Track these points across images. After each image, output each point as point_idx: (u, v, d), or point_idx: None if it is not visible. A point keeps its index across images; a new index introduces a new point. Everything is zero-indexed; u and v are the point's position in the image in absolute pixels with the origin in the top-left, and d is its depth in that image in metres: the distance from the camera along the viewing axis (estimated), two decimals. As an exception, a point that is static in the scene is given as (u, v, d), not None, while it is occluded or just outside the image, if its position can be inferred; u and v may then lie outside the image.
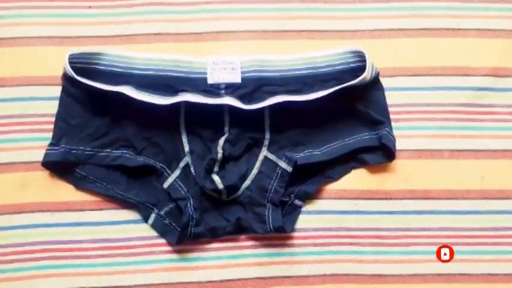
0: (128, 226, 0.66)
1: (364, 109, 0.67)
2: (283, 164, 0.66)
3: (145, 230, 0.66)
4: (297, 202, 0.67)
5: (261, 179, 0.66)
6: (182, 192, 0.65)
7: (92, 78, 0.64)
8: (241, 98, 0.66)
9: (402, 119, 0.70)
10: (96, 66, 0.66)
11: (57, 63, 0.66)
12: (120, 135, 0.66)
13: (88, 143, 0.65)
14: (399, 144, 0.67)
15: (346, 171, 0.68)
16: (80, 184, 0.66)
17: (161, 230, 0.66)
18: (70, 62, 0.64)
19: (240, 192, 0.66)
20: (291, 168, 0.65)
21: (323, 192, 0.68)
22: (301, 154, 0.66)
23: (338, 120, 0.67)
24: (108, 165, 0.66)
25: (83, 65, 0.65)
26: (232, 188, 0.66)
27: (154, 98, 0.63)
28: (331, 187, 0.68)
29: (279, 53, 0.68)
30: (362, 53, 0.66)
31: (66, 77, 0.66)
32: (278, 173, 0.66)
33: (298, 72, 0.67)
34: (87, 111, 0.66)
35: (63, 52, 0.65)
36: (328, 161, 0.66)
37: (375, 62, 0.67)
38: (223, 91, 0.67)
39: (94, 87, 0.63)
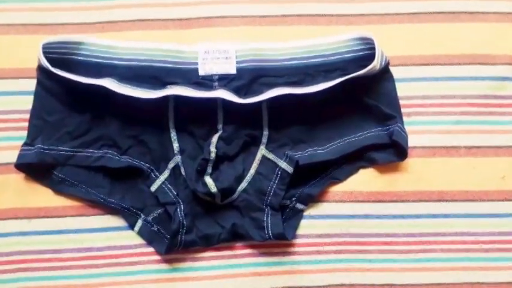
0: (112, 233, 0.64)
1: (372, 102, 0.65)
2: (283, 164, 0.63)
3: (131, 237, 0.65)
4: (299, 206, 0.65)
5: (258, 180, 0.64)
6: (171, 196, 0.63)
7: (70, 70, 0.62)
8: (237, 91, 0.64)
9: (414, 113, 0.67)
10: (75, 57, 0.64)
11: (32, 54, 0.64)
12: (102, 134, 0.64)
13: (67, 142, 0.63)
14: (411, 141, 0.65)
15: (353, 172, 0.66)
16: (58, 188, 0.64)
17: (149, 237, 0.64)
18: (45, 52, 0.62)
19: (235, 195, 0.64)
20: (292, 169, 0.63)
21: (327, 195, 0.66)
22: (303, 153, 0.64)
23: (344, 115, 0.65)
24: (89, 167, 0.64)
25: (59, 55, 0.63)
26: (227, 191, 0.63)
27: (140, 91, 0.61)
28: (337, 189, 0.66)
29: (277, 40, 0.66)
30: (370, 39, 0.63)
31: (41, 69, 0.63)
32: (278, 173, 0.63)
33: (299, 61, 0.65)
34: (65, 107, 0.63)
35: (38, 41, 0.62)
36: (332, 160, 0.64)
37: (384, 50, 0.65)
38: (216, 83, 0.65)
39: (72, 80, 0.61)
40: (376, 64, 0.62)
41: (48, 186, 0.64)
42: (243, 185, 0.64)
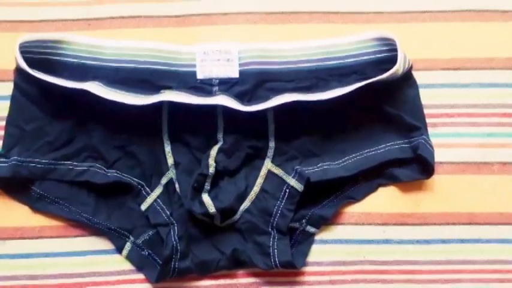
0: (96, 258, 0.62)
1: (394, 111, 0.62)
2: (292, 181, 0.60)
3: (118, 262, 0.62)
4: (310, 229, 0.62)
5: (263, 199, 0.61)
6: (164, 216, 0.61)
7: (51, 72, 0.60)
8: (239, 97, 0.61)
9: (441, 124, 0.65)
10: (56, 58, 0.62)
11: (8, 54, 0.62)
12: (86, 144, 0.62)
13: (46, 154, 0.61)
14: (437, 156, 0.62)
15: (371, 190, 0.63)
16: (37, 205, 0.62)
17: (138, 263, 0.62)
18: (23, 52, 0.60)
19: (237, 216, 0.61)
20: (302, 187, 0.60)
21: (342, 217, 0.63)
22: (315, 168, 0.61)
23: (361, 125, 0.63)
24: (72, 182, 0.61)
25: (39, 55, 0.61)
26: (227, 212, 0.61)
27: (129, 97, 0.59)
28: (353, 210, 0.63)
29: (286, 40, 0.64)
30: (392, 40, 0.60)
31: (18, 71, 0.61)
32: (286, 192, 0.60)
33: (311, 64, 0.62)
34: (45, 114, 0.61)
35: (15, 40, 0.60)
36: (348, 177, 0.61)
37: (406, 52, 0.62)
38: (216, 88, 0.62)
39: (53, 83, 0.59)
40: (398, 68, 0.59)
41: (26, 203, 0.62)
42: (246, 204, 0.61)
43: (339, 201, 0.62)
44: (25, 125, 0.60)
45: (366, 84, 0.59)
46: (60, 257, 0.61)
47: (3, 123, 0.61)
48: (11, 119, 0.61)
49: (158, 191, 0.61)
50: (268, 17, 0.66)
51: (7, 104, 0.61)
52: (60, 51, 0.61)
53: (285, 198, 0.60)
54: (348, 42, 0.62)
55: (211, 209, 0.58)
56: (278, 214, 0.60)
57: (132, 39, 0.62)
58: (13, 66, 0.61)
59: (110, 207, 0.62)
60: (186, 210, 0.60)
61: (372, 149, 0.62)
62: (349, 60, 0.62)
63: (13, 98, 0.61)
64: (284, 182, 0.61)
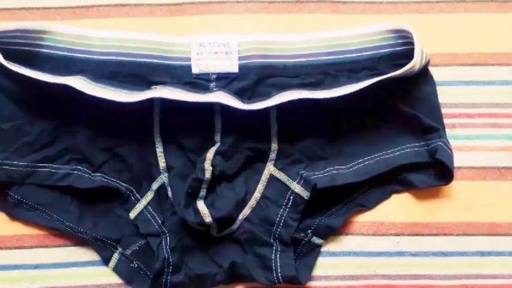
0: (81, 270, 0.59)
1: (409, 110, 0.59)
2: (296, 187, 0.57)
3: (105, 275, 0.60)
4: (316, 240, 0.59)
5: (265, 207, 0.59)
6: (155, 225, 0.58)
7: (31, 66, 0.58)
8: (239, 94, 0.59)
9: (460, 125, 0.63)
10: (37, 49, 0.59)
11: None
12: (70, 145, 0.59)
13: (26, 156, 0.58)
14: (456, 160, 0.59)
15: (384, 197, 0.61)
16: (14, 212, 0.60)
17: (127, 276, 0.59)
18: (0, 43, 0.57)
19: (236, 225, 0.59)
20: (308, 194, 0.57)
21: (352, 226, 0.61)
22: (322, 173, 0.58)
23: (373, 126, 0.60)
24: (53, 187, 0.59)
25: (19, 47, 0.58)
26: (225, 221, 0.58)
27: (117, 93, 0.56)
28: (363, 219, 0.61)
29: (290, 32, 0.62)
30: (407, 32, 0.57)
31: None
32: (289, 199, 0.58)
33: (317, 58, 0.60)
34: (24, 112, 0.59)
35: None
36: (358, 182, 0.58)
37: (422, 46, 0.59)
38: (213, 84, 0.59)
39: (33, 78, 0.56)
40: (415, 63, 0.56)
41: (2, 210, 0.59)
42: (245, 212, 0.58)
43: (348, 210, 0.60)
44: (2, 124, 0.58)
45: (378, 81, 0.56)
46: (40, 269, 0.59)
47: (-22, 122, 0.58)
48: (-14, 117, 0.58)
49: (149, 197, 0.58)
50: (271, 6, 0.64)
51: (-19, 100, 0.58)
52: (42, 42, 0.58)
53: (288, 206, 0.58)
54: (358, 34, 0.60)
55: (207, 218, 0.55)
56: (281, 223, 0.58)
57: (121, 30, 0.60)
58: None
59: (96, 215, 0.59)
60: (179, 218, 0.57)
61: (384, 152, 0.59)
62: (359, 54, 0.59)
63: None
64: (288, 188, 0.58)
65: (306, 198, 0.57)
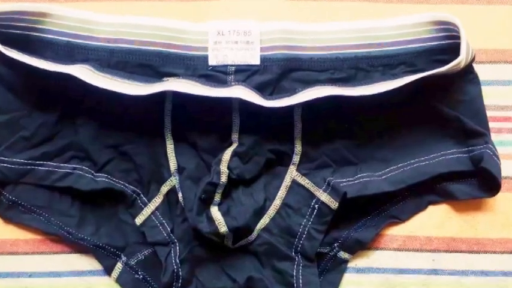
0: (80, 280, 0.57)
1: (450, 112, 0.56)
2: (322, 195, 0.54)
3: (106, 286, 0.57)
4: (342, 255, 0.56)
5: (286, 216, 0.55)
6: (163, 233, 0.55)
7: (30, 52, 0.55)
8: (260, 89, 0.56)
9: (507, 130, 0.59)
10: (38, 34, 0.56)
11: None
12: (71, 141, 0.57)
13: (22, 152, 0.56)
14: (502, 169, 0.56)
15: (420, 209, 0.58)
16: (8, 215, 0.57)
17: (131, 287, 0.57)
18: None
19: (253, 236, 0.56)
20: (337, 203, 0.54)
21: (382, 240, 0.58)
22: (352, 180, 0.55)
23: (409, 129, 0.57)
24: (52, 187, 0.56)
25: (17, 30, 0.56)
26: (241, 230, 0.55)
27: (125, 85, 0.53)
28: (396, 232, 0.58)
29: (318, 20, 0.59)
30: (452, 25, 0.54)
31: None
32: (314, 208, 0.54)
33: (348, 51, 0.56)
34: (22, 103, 0.56)
35: None
36: (392, 192, 0.55)
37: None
38: (232, 77, 0.56)
39: (33, 65, 0.53)
40: (462, 60, 0.52)
41: None
42: (264, 221, 0.55)
43: (379, 222, 0.57)
44: None
45: (419, 79, 0.52)
46: (35, 278, 0.56)
47: (-30, 113, 0.55)
48: (-20, 109, 0.56)
49: (157, 201, 0.56)
50: None
51: (-25, 89, 0.54)
52: (43, 26, 0.56)
53: (313, 216, 0.54)
54: (394, 25, 0.56)
55: (222, 227, 0.52)
56: (304, 235, 0.54)
57: (130, 14, 0.57)
58: None
59: (98, 220, 0.57)
60: (190, 226, 0.54)
61: (422, 159, 0.56)
62: (395, 47, 0.56)
63: None
64: (312, 195, 0.55)
65: (333, 208, 0.54)
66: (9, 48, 0.53)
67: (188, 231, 0.55)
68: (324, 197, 0.54)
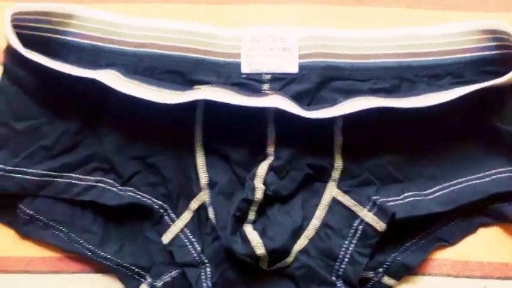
0: None
1: (504, 127, 0.53)
2: (367, 215, 0.51)
3: None
4: (387, 280, 0.53)
5: (326, 237, 0.52)
6: (193, 253, 0.52)
7: (52, 56, 0.52)
8: (297, 99, 0.53)
9: None
10: (61, 37, 0.54)
11: None
12: (95, 152, 0.54)
13: (42, 162, 0.53)
14: None
15: (470, 232, 0.55)
16: (25, 230, 0.54)
17: None
18: (16, 27, 0.52)
19: (290, 258, 0.52)
20: (384, 225, 0.50)
21: (430, 265, 0.54)
22: (401, 199, 0.51)
23: (459, 144, 0.54)
24: (73, 201, 0.54)
25: (38, 32, 0.54)
26: (278, 252, 0.51)
27: (154, 92, 0.51)
28: (444, 256, 0.54)
29: (359, 27, 0.58)
30: (505, 34, 0.51)
31: (9, 52, 0.54)
32: (357, 229, 0.51)
33: (392, 60, 0.54)
34: (43, 110, 0.54)
35: (6, 10, 0.52)
36: (442, 213, 0.52)
37: None
38: (267, 86, 0.53)
39: (55, 70, 0.51)
40: None
41: (11, 226, 0.55)
42: (302, 242, 0.52)
43: (427, 245, 0.53)
44: (15, 123, 0.53)
45: (471, 92, 0.49)
46: None
47: (-13, 119, 0.54)
48: (-3, 115, 0.54)
49: (186, 217, 0.52)
50: None
51: (-8, 93, 0.52)
52: (66, 29, 0.53)
53: (356, 238, 0.51)
54: (439, 34, 0.53)
55: (260, 249, 0.49)
56: (346, 259, 0.51)
57: (159, 18, 0.55)
58: (2, 46, 0.54)
59: (122, 237, 0.54)
60: (221, 246, 0.51)
61: (473, 177, 0.53)
62: (442, 57, 0.53)
63: (1, 88, 0.53)
64: (355, 215, 0.51)
65: (380, 230, 0.50)
66: (31, 51, 0.51)
67: (219, 251, 0.52)
68: (368, 217, 0.51)
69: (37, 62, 0.51)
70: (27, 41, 0.52)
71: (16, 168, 0.52)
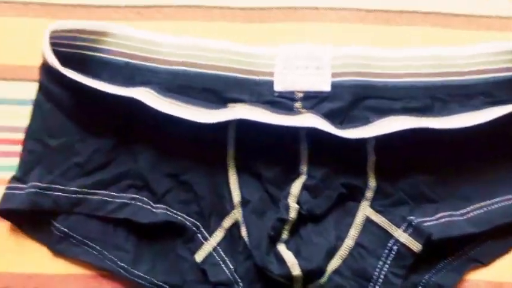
0: None
1: None
2: (402, 236, 0.50)
3: None
4: None
5: (359, 258, 0.51)
6: (227, 272, 0.51)
7: (87, 73, 0.53)
8: (329, 117, 0.52)
9: None
10: (96, 54, 0.54)
11: (34, 46, 0.55)
12: (129, 169, 0.54)
13: (75, 179, 0.53)
14: None
15: (504, 252, 0.53)
16: (59, 248, 0.54)
17: None
18: (54, 44, 0.52)
19: (324, 279, 0.51)
20: (420, 246, 0.49)
21: (464, 286, 0.53)
22: (434, 220, 0.50)
23: (493, 164, 0.53)
24: (106, 219, 0.53)
25: (74, 50, 0.54)
26: (313, 273, 0.50)
27: (189, 110, 0.51)
28: (478, 277, 0.53)
29: (391, 46, 0.56)
30: None
31: (45, 69, 0.53)
32: (392, 249, 0.50)
33: (424, 79, 0.53)
34: (77, 127, 0.53)
35: (43, 27, 0.52)
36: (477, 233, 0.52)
37: None
38: (299, 104, 0.53)
39: (91, 87, 0.51)
40: None
41: (45, 243, 0.54)
42: (336, 263, 0.51)
43: (461, 265, 0.52)
44: (50, 140, 0.52)
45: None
46: None
47: (21, 135, 0.53)
48: (32, 131, 0.53)
49: (219, 236, 0.52)
50: (369, 15, 0.58)
51: (28, 110, 0.53)
52: (101, 46, 0.54)
53: (390, 259, 0.50)
54: (473, 53, 0.53)
55: (296, 270, 0.48)
56: (380, 279, 0.50)
57: (193, 36, 0.55)
58: (38, 63, 0.54)
59: (154, 255, 0.53)
60: (253, 264, 0.50)
61: (508, 197, 0.52)
62: (474, 77, 0.53)
63: (36, 104, 0.53)
64: (389, 235, 0.51)
65: (416, 251, 0.49)
66: (66, 68, 0.51)
67: (251, 270, 0.51)
68: (403, 237, 0.50)
69: (73, 79, 0.51)
70: (62, 58, 0.52)
71: (51, 185, 0.52)
